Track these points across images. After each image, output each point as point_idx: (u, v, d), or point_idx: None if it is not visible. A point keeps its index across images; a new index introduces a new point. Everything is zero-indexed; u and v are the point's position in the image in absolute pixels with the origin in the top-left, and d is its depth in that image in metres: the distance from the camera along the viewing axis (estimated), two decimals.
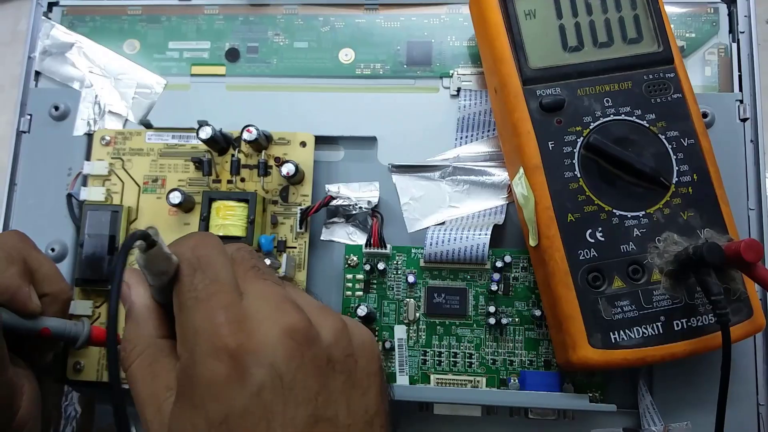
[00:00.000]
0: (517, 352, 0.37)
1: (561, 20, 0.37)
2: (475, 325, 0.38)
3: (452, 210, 0.41)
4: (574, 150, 0.35)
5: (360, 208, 0.40)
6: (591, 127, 0.35)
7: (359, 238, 0.41)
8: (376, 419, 0.25)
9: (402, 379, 0.38)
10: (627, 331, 0.33)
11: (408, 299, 0.38)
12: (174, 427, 0.24)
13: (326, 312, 0.27)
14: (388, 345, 0.38)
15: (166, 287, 0.26)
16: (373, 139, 0.42)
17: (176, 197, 0.39)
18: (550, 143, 0.35)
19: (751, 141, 0.40)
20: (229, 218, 0.39)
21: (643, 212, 0.34)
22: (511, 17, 0.36)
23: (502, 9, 0.37)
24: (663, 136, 0.36)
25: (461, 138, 0.42)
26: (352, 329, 0.27)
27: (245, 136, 0.39)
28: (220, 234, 0.38)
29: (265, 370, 0.23)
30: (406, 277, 0.38)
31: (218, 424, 0.23)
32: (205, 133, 0.39)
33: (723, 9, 0.43)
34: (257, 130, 0.39)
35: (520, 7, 0.37)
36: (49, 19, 0.46)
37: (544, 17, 0.37)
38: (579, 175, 0.35)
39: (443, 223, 0.41)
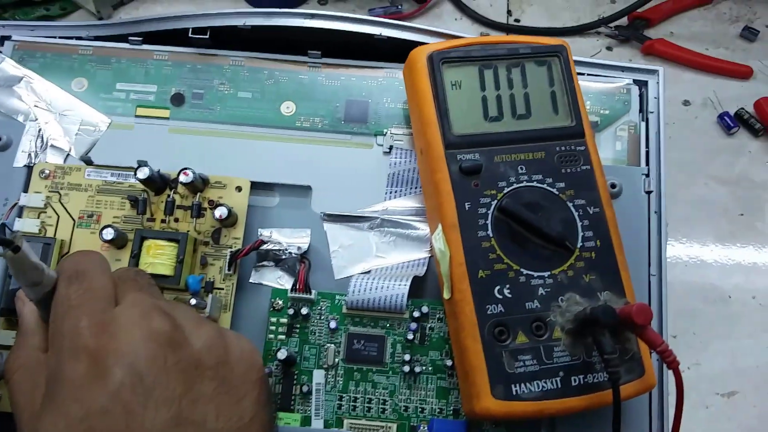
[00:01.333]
0: (428, 399, 0.39)
1: (484, 92, 0.40)
2: (390, 372, 0.39)
3: (378, 260, 0.43)
4: (489, 211, 0.38)
5: (290, 253, 0.42)
6: (505, 192, 0.38)
7: (287, 283, 0.42)
8: (251, 426, 0.27)
9: (317, 423, 0.39)
10: (527, 384, 0.35)
11: (329, 344, 0.40)
12: (37, 430, 0.25)
13: (202, 322, 0.29)
14: (305, 389, 0.39)
15: (48, 301, 0.28)
16: (308, 188, 0.44)
17: (109, 233, 0.40)
18: (466, 204, 0.38)
19: (655, 212, 0.44)
20: (158, 257, 0.40)
21: (549, 273, 0.37)
22: (439, 86, 0.39)
23: (431, 78, 0.40)
24: (571, 204, 0.39)
25: (391, 192, 0.44)
26: (230, 339, 0.29)
27: (182, 178, 0.41)
28: (149, 272, 0.39)
29: (125, 370, 0.25)
30: (329, 323, 0.40)
31: (78, 422, 0.24)
32: (143, 173, 0.40)
33: (635, 90, 0.47)
34: (194, 173, 0.41)
35: (447, 78, 0.40)
36: (0, 52, 0.47)
37: (468, 88, 0.40)
38: (491, 235, 0.37)
39: (369, 271, 0.43)
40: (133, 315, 0.27)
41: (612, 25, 0.67)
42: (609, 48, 0.66)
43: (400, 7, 0.65)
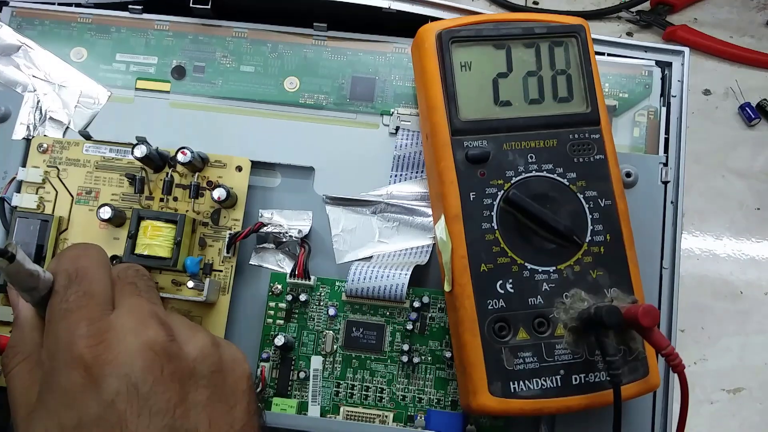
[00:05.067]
0: (426, 390, 0.39)
1: (495, 75, 0.38)
2: (389, 361, 0.39)
3: (381, 245, 0.42)
4: (494, 202, 0.36)
5: (290, 236, 0.41)
6: (512, 182, 0.37)
7: (287, 266, 0.41)
8: None
9: (314, 409, 0.38)
10: (527, 381, 0.34)
11: (327, 331, 0.39)
12: (30, 431, 0.25)
13: (196, 330, 0.29)
14: (302, 375, 0.39)
15: (45, 302, 0.27)
16: (310, 169, 0.43)
17: (106, 212, 0.39)
18: (471, 194, 0.36)
19: (672, 202, 0.42)
20: (155, 238, 0.39)
21: (554, 268, 0.36)
22: (447, 68, 0.37)
23: (439, 58, 0.38)
24: (581, 195, 0.37)
25: (396, 176, 0.43)
26: (222, 348, 0.29)
27: (179, 157, 0.39)
28: (146, 253, 0.39)
29: (121, 380, 0.25)
30: (328, 310, 0.39)
31: (71, 429, 0.24)
32: (140, 151, 0.39)
33: (657, 72, 0.44)
34: (191, 152, 0.40)
35: (456, 59, 0.38)
36: None
37: (479, 70, 0.38)
38: (496, 227, 0.36)
39: (371, 257, 0.42)
40: (130, 323, 0.27)
41: (634, 10, 0.63)
42: (629, 34, 0.63)
43: None
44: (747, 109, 0.57)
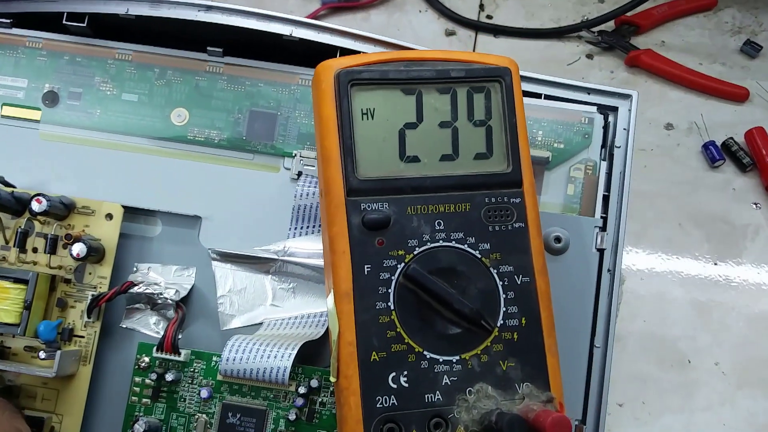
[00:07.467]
0: None
1: (402, 125, 0.32)
2: None
3: (274, 309, 0.37)
4: (392, 277, 0.31)
5: (165, 298, 0.36)
6: (415, 253, 0.31)
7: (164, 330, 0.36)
8: None
9: None
10: None
11: (200, 414, 0.34)
12: None
13: None
14: None
15: None
16: (196, 219, 0.37)
17: None
18: (366, 267, 0.31)
19: (609, 270, 0.37)
20: (1, 301, 0.33)
21: (458, 357, 0.31)
22: (345, 115, 0.32)
23: (336, 103, 0.32)
24: (495, 271, 0.32)
25: (296, 229, 0.37)
26: None
27: (34, 206, 0.34)
28: None
29: None
30: (200, 391, 0.34)
31: None
32: None
33: (598, 120, 0.39)
34: (48, 200, 0.34)
35: (357, 104, 0.32)
36: None
37: (383, 119, 0.32)
38: (392, 308, 0.31)
39: (261, 323, 0.36)
40: None
41: (596, 29, 0.58)
42: (589, 56, 0.57)
43: None
44: (711, 148, 0.52)
